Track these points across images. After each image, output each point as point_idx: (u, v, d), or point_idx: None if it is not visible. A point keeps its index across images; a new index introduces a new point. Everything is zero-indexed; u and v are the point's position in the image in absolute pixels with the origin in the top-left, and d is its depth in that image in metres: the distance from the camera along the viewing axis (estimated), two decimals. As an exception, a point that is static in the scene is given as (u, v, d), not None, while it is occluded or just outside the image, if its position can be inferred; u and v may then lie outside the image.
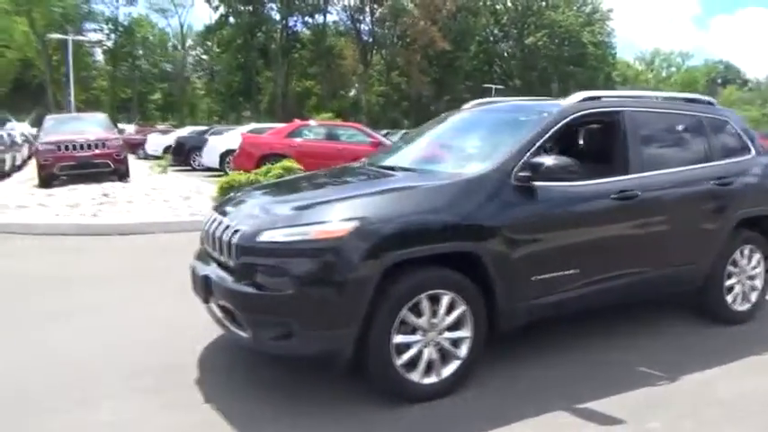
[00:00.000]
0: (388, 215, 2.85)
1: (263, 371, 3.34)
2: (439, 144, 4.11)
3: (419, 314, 2.90)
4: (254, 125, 18.08)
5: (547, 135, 3.36)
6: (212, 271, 3.09)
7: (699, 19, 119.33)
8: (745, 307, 4.23)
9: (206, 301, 3.15)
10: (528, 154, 3.23)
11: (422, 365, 2.94)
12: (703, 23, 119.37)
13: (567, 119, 3.48)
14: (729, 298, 4.13)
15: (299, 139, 12.17)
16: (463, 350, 3.04)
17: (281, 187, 3.84)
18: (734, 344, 3.86)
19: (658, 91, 6.82)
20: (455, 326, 3.00)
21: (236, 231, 2.92)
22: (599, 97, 3.73)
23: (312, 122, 14.46)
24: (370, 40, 57.32)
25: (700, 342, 3.88)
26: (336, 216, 2.82)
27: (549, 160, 3.16)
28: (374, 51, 58.70)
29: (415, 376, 2.92)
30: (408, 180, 3.32)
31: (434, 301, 2.93)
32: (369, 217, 2.80)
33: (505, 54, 63.57)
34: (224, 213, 3.27)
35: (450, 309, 2.97)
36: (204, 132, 19.74)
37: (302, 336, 2.75)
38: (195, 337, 3.78)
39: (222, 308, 3.05)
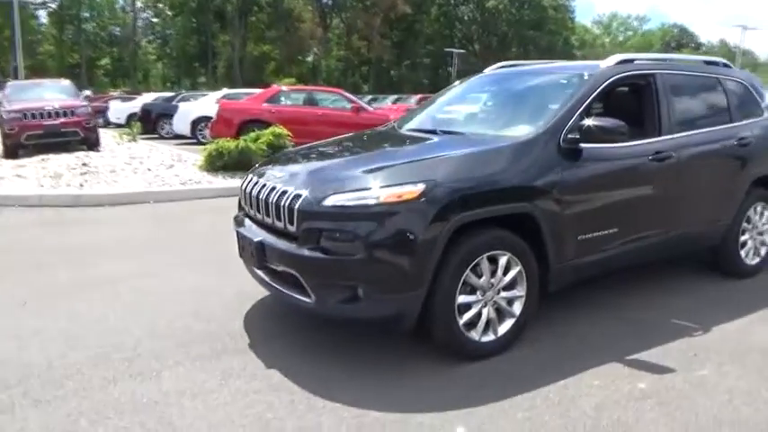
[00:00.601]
0: (454, 178, 2.86)
1: (315, 335, 3.35)
2: (476, 106, 4.11)
3: (479, 275, 2.95)
4: (226, 90, 17.57)
5: (591, 97, 3.40)
6: (266, 237, 3.05)
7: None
8: (755, 261, 4.46)
9: (261, 267, 3.11)
10: (575, 116, 3.28)
11: (481, 324, 3.00)
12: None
13: (609, 81, 3.53)
14: (743, 253, 4.34)
15: (278, 105, 11.92)
16: (517, 308, 3.12)
17: (327, 151, 3.79)
18: (754, 295, 4.09)
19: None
20: (510, 285, 3.08)
21: (297, 196, 2.88)
22: (632, 60, 3.78)
23: (284, 88, 14.13)
24: (330, 2, 56.11)
25: (722, 295, 4.09)
26: (404, 179, 2.81)
27: (598, 122, 3.21)
28: (333, 14, 57.54)
29: (474, 335, 2.99)
30: (464, 143, 3.32)
31: (492, 261, 2.98)
32: (436, 180, 2.80)
33: (466, 18, 63.26)
34: (270, 178, 3.22)
35: (507, 269, 3.04)
36: (171, 99, 19.09)
37: (370, 299, 2.76)
38: (234, 304, 3.77)
39: (279, 274, 3.03)
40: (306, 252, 2.81)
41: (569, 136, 3.21)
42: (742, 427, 2.50)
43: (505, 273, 3.04)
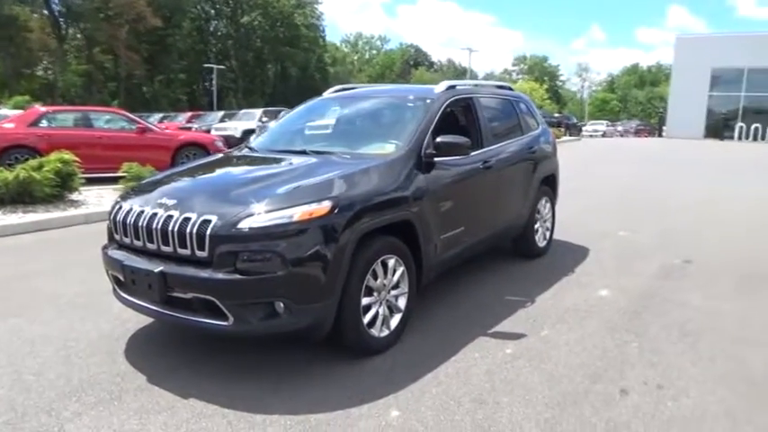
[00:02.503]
0: (353, 194, 3.18)
1: (214, 359, 3.35)
2: (329, 127, 4.44)
3: (375, 278, 3.33)
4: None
5: (437, 118, 4.02)
6: (167, 266, 3.00)
7: (387, 6, 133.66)
8: (543, 244, 5.63)
9: (162, 297, 3.03)
10: (428, 134, 3.86)
11: (379, 321, 3.38)
12: (392, 11, 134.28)
13: (445, 103, 4.20)
14: (537, 238, 5.45)
15: (46, 128, 10.61)
16: (402, 304, 3.56)
17: (207, 175, 3.77)
18: (548, 269, 5.19)
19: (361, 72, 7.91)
20: (396, 284, 3.51)
21: (205, 222, 2.91)
22: (455, 86, 4.52)
23: (45, 108, 12.57)
24: (64, 10, 50.29)
25: (529, 272, 5.12)
26: (311, 197, 3.04)
27: (448, 139, 3.82)
28: (69, 24, 51.73)
29: (374, 332, 3.36)
30: (343, 163, 3.62)
31: (383, 265, 3.39)
32: (339, 196, 3.10)
33: (220, 33, 62.39)
34: (156, 205, 3.15)
35: (394, 270, 3.46)
36: None
37: (291, 312, 2.93)
38: (102, 344, 3.55)
39: (181, 302, 3.02)
40: (222, 276, 2.87)
41: (427, 151, 3.77)
42: (584, 368, 3.30)
43: (393, 274, 3.46)
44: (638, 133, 42.12)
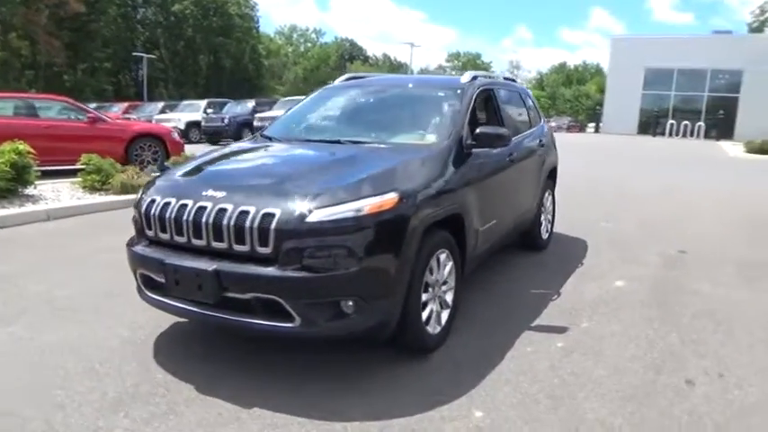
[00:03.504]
0: (415, 184, 3.02)
1: (259, 360, 3.12)
2: (354, 117, 4.22)
3: (431, 273, 3.18)
4: None
5: (470, 108, 3.91)
6: (221, 264, 2.74)
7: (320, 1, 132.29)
8: (546, 236, 5.65)
9: (215, 301, 2.76)
10: (466, 125, 3.74)
11: (433, 318, 3.24)
12: (324, 5, 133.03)
13: (475, 94, 4.09)
14: (542, 230, 5.46)
15: (-17, 117, 9.70)
16: (450, 299, 3.43)
17: (245, 164, 3.54)
18: (558, 260, 5.22)
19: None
20: (445, 280, 3.38)
21: (268, 215, 2.67)
22: (477, 77, 4.42)
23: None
24: (-27, -9, 46.48)
25: (544, 263, 5.13)
26: (378, 189, 2.85)
27: (489, 129, 3.72)
28: (-19, 7, 47.88)
29: (430, 329, 3.21)
30: (392, 152, 3.44)
31: (437, 259, 3.25)
32: (404, 187, 2.93)
33: (148, 21, 59.66)
34: (200, 198, 2.87)
35: (444, 265, 3.33)
36: None
37: (360, 312, 2.75)
38: (127, 352, 3.24)
39: (235, 303, 2.76)
40: (290, 273, 2.64)
41: (468, 142, 3.66)
42: (640, 360, 3.29)
43: (444, 269, 3.32)
44: (569, 129, 43.78)
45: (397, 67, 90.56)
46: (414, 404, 2.73)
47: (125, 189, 8.03)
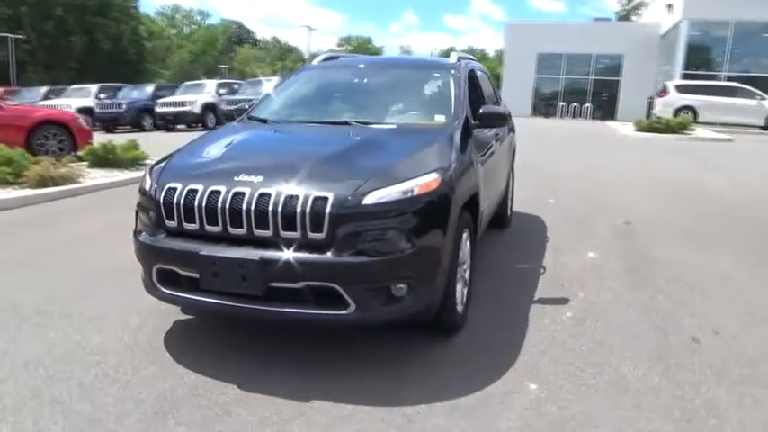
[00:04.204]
0: (448, 165, 2.99)
1: (289, 350, 2.98)
2: (352, 98, 4.08)
3: (460, 252, 3.20)
4: None
5: (467, 88, 3.94)
6: (267, 253, 2.58)
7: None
8: (509, 214, 5.85)
9: (262, 292, 2.60)
10: (467, 105, 3.77)
11: (458, 296, 3.25)
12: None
13: (466, 75, 4.12)
14: (508, 209, 5.66)
15: None
16: (467, 277, 3.47)
17: (269, 146, 3.40)
18: (521, 237, 5.48)
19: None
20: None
21: (320, 199, 2.55)
22: (461, 58, 4.45)
23: None
24: None
25: (510, 241, 5.31)
26: (421, 170, 2.80)
27: (491, 109, 3.78)
28: None
29: (459, 307, 3.23)
30: (413, 133, 3.39)
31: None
32: (443, 167, 2.91)
33: (10, -3, 53.78)
34: (229, 182, 2.69)
35: (465, 244, 3.36)
36: None
37: (414, 294, 2.71)
38: (145, 349, 2.98)
39: (289, 293, 2.62)
40: (348, 258, 2.55)
41: (473, 122, 3.69)
42: (644, 323, 3.53)
43: (465, 247, 3.35)
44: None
45: (287, 51, 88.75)
46: (466, 383, 2.74)
47: (43, 182, 7.28)
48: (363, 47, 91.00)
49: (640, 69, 29.12)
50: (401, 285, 2.68)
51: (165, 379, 2.75)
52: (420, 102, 3.99)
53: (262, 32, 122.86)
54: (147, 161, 9.52)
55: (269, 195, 2.60)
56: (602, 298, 3.92)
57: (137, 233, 2.99)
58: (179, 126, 20.11)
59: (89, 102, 19.59)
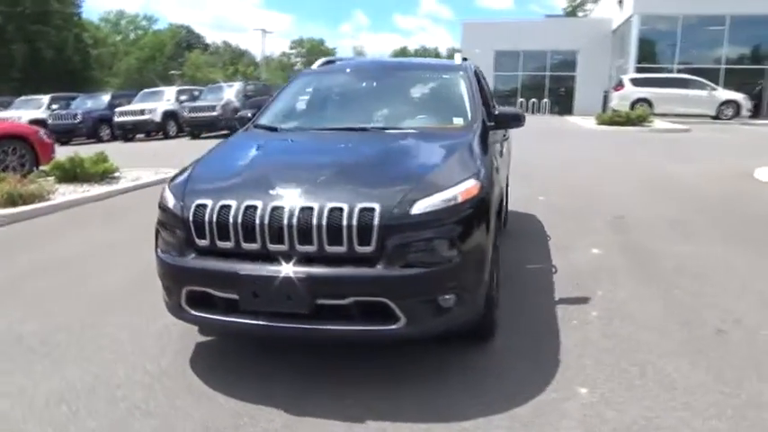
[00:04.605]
0: (483, 168, 2.93)
1: (316, 368, 2.87)
2: (371, 103, 3.97)
3: (492, 257, 3.15)
4: None
5: (478, 89, 3.89)
6: (311, 269, 2.47)
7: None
8: (505, 214, 5.84)
9: (309, 310, 2.48)
10: (482, 106, 3.73)
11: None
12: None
13: (474, 75, 4.08)
14: (505, 212, 5.64)
15: None
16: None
17: (292, 157, 3.26)
18: (526, 236, 5.52)
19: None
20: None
21: (366, 210, 2.45)
22: (465, 59, 4.41)
23: None
24: None
25: (512, 242, 5.29)
26: (459, 176, 2.74)
27: (507, 110, 3.75)
28: None
29: (495, 312, 3.17)
30: (438, 137, 3.31)
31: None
32: (478, 173, 2.85)
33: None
34: (265, 196, 2.56)
35: (495, 249, 3.31)
36: None
37: (463, 303, 2.64)
38: (161, 377, 2.82)
39: (335, 310, 2.51)
40: (398, 271, 2.46)
41: (490, 123, 3.65)
42: (669, 318, 3.56)
43: (495, 252, 3.30)
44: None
45: (239, 56, 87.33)
46: (515, 392, 2.69)
47: (12, 200, 6.88)
48: (316, 48, 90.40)
49: (594, 64, 29.87)
50: (449, 296, 2.60)
51: (203, 408, 2.60)
52: (435, 105, 3.93)
53: (212, 37, 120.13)
54: (116, 174, 9.17)
55: (311, 209, 2.48)
56: (620, 295, 3.93)
57: (160, 253, 2.82)
58: (138, 135, 19.53)
59: (41, 113, 18.81)
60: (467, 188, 2.68)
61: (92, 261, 4.97)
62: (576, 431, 2.40)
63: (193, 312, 2.73)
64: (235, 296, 2.55)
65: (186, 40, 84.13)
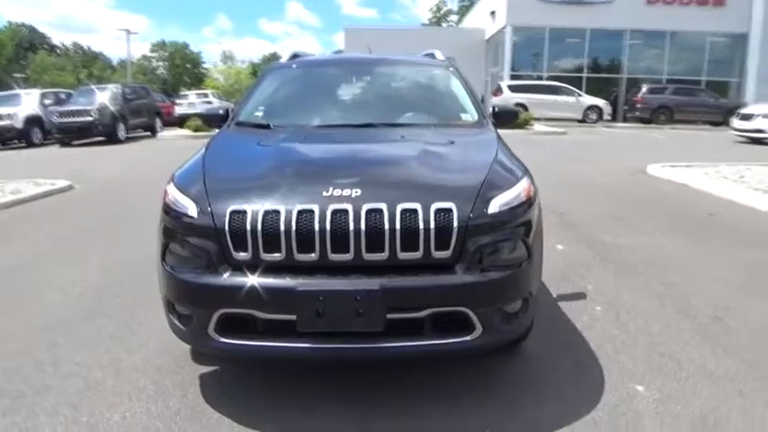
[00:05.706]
0: (525, 167, 2.79)
1: (332, 394, 2.58)
2: (368, 98, 3.67)
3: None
4: None
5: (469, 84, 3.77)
6: (384, 280, 2.17)
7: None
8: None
9: (382, 326, 2.18)
10: (478, 102, 3.62)
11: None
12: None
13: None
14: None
15: None
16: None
17: (329, 153, 2.90)
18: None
19: None
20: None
21: (443, 211, 2.20)
22: (433, 55, 4.26)
23: None
24: None
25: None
26: (513, 173, 2.60)
27: (505, 107, 3.65)
28: None
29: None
30: (461, 133, 3.12)
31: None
32: (525, 170, 2.71)
33: None
34: (320, 199, 2.23)
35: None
36: None
37: (527, 308, 2.47)
38: (172, 415, 2.39)
39: (408, 324, 2.24)
40: (479, 277, 2.24)
41: (492, 120, 3.54)
42: (664, 308, 3.67)
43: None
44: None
45: (92, 58, 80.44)
46: (578, 397, 2.60)
47: None
48: (180, 52, 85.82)
49: (470, 71, 30.94)
50: (518, 301, 2.42)
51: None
52: (435, 100, 3.74)
53: (58, 37, 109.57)
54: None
55: (380, 211, 2.18)
56: (608, 289, 4.00)
57: (173, 271, 2.35)
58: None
59: (31, 109, 16.68)
60: (526, 185, 2.54)
61: (27, 277, 4.17)
62: (660, 428, 2.34)
63: (224, 340, 2.30)
64: (291, 317, 2.17)
65: (29, 41, 76.01)
